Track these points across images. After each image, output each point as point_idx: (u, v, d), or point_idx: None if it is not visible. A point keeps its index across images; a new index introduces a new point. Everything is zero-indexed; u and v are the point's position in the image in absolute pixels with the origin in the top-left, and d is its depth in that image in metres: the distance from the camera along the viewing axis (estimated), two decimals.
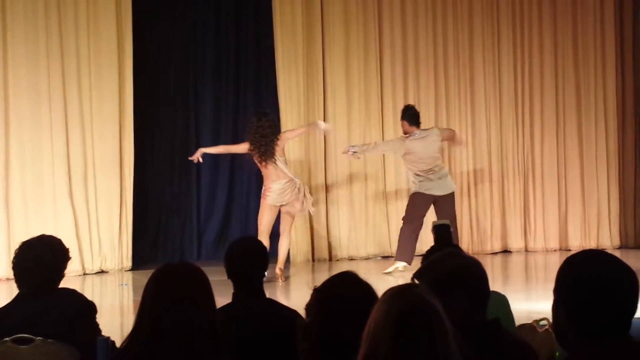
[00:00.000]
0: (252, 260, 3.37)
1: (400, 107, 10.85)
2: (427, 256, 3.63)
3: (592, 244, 11.40)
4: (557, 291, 2.02)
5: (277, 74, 10.72)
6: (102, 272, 9.91)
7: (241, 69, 11.34)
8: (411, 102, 11.03)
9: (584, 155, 11.49)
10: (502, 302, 3.46)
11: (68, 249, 3.74)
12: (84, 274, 9.71)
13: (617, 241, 11.53)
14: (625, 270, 2.00)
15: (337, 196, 10.84)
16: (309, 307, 2.40)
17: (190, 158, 9.33)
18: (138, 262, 10.05)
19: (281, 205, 8.95)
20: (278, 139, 8.82)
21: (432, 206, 9.26)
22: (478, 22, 11.33)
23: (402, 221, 9.34)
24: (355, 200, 10.91)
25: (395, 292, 2.01)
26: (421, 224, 9.20)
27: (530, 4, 11.49)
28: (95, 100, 9.92)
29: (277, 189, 8.87)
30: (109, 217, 9.94)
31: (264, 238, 8.61)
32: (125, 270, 9.95)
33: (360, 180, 10.93)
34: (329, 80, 10.90)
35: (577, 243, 11.35)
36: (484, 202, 11.28)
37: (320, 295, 2.37)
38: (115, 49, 9.96)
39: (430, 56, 11.22)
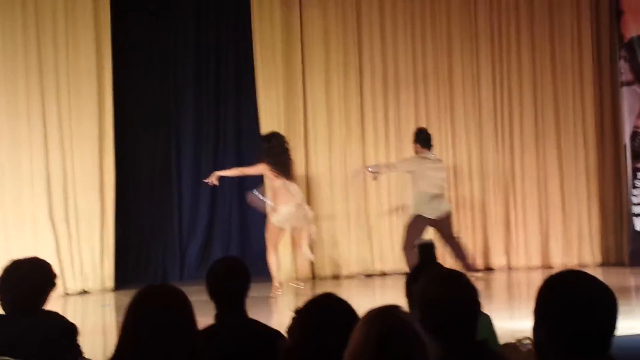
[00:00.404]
0: (234, 280, 3.35)
1: (381, 123, 10.95)
2: (411, 275, 3.61)
3: (573, 261, 11.44)
4: (536, 312, 2.03)
5: (257, 90, 10.73)
6: (84, 292, 9.84)
7: (221, 86, 11.32)
8: (391, 118, 11.11)
9: (564, 171, 11.55)
10: (486, 321, 3.45)
11: (55, 274, 3.71)
12: (66, 294, 9.63)
13: (598, 258, 11.57)
14: (603, 289, 2.01)
15: (320, 215, 10.81)
16: (290, 330, 2.39)
17: (205, 181, 9.38)
18: (120, 282, 9.99)
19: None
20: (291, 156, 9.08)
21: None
22: (457, 39, 11.39)
23: (405, 250, 9.41)
24: (338, 219, 10.89)
25: (376, 314, 2.01)
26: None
27: (508, 21, 11.57)
28: (75, 119, 9.88)
29: (284, 212, 9.05)
30: (90, 237, 9.88)
31: (272, 254, 9.11)
32: (108, 291, 9.88)
33: (343, 198, 10.92)
34: (309, 97, 10.91)
35: (559, 260, 11.39)
36: (466, 220, 11.29)
37: (302, 318, 2.36)
38: (94, 67, 9.94)
39: (410, 73, 11.27)
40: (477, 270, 9.97)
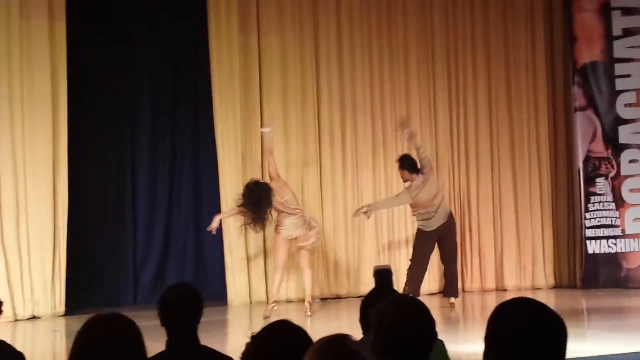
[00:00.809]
0: (185, 307, 3.31)
1: (338, 147, 10.98)
2: (366, 301, 3.60)
3: (527, 284, 11.54)
4: (487, 339, 2.04)
5: (214, 114, 10.69)
6: (34, 317, 9.67)
7: (178, 110, 11.28)
8: (349, 142, 11.13)
9: (518, 196, 11.67)
10: (439, 347, 3.45)
11: (2, 301, 3.63)
12: (15, 320, 9.46)
13: (551, 281, 11.68)
14: (552, 317, 2.03)
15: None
16: (244, 356, 2.37)
17: (209, 229, 9.35)
18: (72, 307, 9.84)
19: (295, 239, 9.36)
20: (272, 198, 9.14)
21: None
22: (414, 63, 11.49)
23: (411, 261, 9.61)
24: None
25: (324, 344, 2.00)
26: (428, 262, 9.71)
27: (464, 45, 11.71)
28: (29, 144, 9.76)
29: (289, 223, 9.27)
30: (42, 261, 9.72)
31: (279, 273, 9.38)
32: (58, 316, 9.72)
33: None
34: (266, 120, 10.87)
35: (513, 283, 11.48)
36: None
37: (256, 345, 2.34)
38: (49, 92, 9.82)
39: (367, 96, 11.33)
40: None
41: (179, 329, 3.30)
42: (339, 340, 2.01)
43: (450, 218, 9.76)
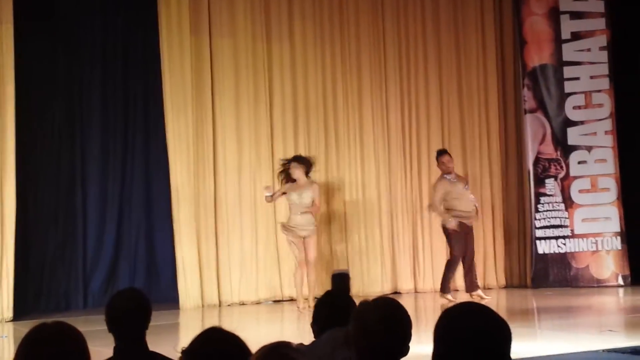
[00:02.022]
0: (133, 313, 3.27)
1: (291, 151, 10.96)
2: (319, 304, 3.58)
3: (478, 284, 11.61)
4: (434, 341, 2.06)
5: (165, 120, 10.59)
6: None
7: (129, 115, 11.14)
8: (301, 145, 11.12)
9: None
10: None
11: None
12: None
13: (502, 280, 11.81)
14: (497, 321, 2.05)
15: (228, 240, 10.73)
16: None
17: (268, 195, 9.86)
18: (20, 312, 9.66)
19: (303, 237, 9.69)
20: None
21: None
22: (366, 67, 11.53)
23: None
24: (247, 245, 10.82)
25: (263, 354, 1.98)
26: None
27: (415, 48, 11.78)
28: None
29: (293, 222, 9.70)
30: None
31: (297, 270, 9.78)
32: (6, 321, 9.54)
33: (252, 225, 10.86)
34: (218, 125, 10.84)
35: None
36: (374, 244, 11.37)
37: (190, 358, 2.28)
38: None
39: (320, 101, 11.33)
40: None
41: (126, 335, 3.26)
42: (281, 349, 1.99)
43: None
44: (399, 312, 2.63)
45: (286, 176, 9.89)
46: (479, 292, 10.12)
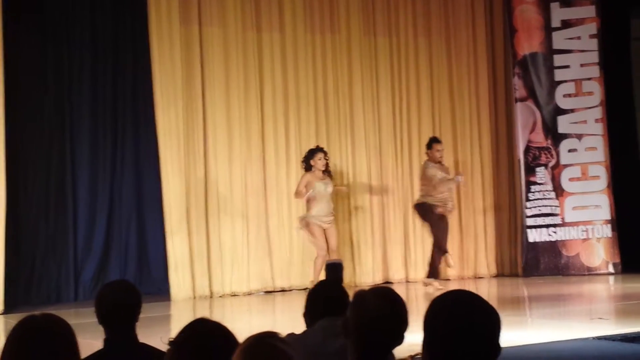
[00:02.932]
0: (122, 305, 3.26)
1: (282, 140, 11.00)
2: (312, 294, 3.58)
3: (470, 274, 11.69)
4: (424, 329, 2.07)
5: (155, 108, 10.56)
6: None
7: (119, 105, 11.09)
8: (292, 136, 11.11)
9: (460, 186, 11.77)
10: None
11: None
12: None
13: (493, 269, 11.84)
14: (487, 309, 2.06)
15: (219, 231, 10.71)
16: None
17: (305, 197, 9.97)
18: (11, 305, 9.64)
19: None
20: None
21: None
22: (357, 58, 11.52)
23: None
24: (238, 235, 10.81)
25: (250, 344, 1.98)
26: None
27: (406, 38, 11.77)
28: None
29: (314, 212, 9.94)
30: None
31: (318, 258, 9.89)
32: None
33: (243, 215, 10.85)
34: (209, 115, 10.81)
35: (456, 272, 11.60)
36: (366, 234, 11.38)
37: (177, 349, 2.28)
38: None
39: (310, 90, 11.31)
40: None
41: (116, 327, 3.25)
42: (267, 339, 1.98)
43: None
44: (397, 300, 2.64)
45: (307, 167, 10.02)
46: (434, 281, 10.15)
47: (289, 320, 7.93)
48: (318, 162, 9.94)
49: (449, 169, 10.80)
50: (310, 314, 3.49)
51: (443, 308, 2.07)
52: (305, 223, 9.94)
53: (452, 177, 10.34)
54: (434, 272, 10.15)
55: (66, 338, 2.44)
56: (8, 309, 9.54)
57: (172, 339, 2.29)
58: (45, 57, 10.66)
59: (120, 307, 3.25)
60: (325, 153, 10.10)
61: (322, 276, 9.70)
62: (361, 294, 2.65)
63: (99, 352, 3.22)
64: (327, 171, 10.08)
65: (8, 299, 9.68)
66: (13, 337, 2.42)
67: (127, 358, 3.20)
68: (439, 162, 10.29)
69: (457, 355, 2.00)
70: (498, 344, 2.04)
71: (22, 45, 10.36)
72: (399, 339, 2.60)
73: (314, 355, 3.15)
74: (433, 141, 10.38)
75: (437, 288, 9.85)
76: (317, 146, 10.30)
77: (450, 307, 2.07)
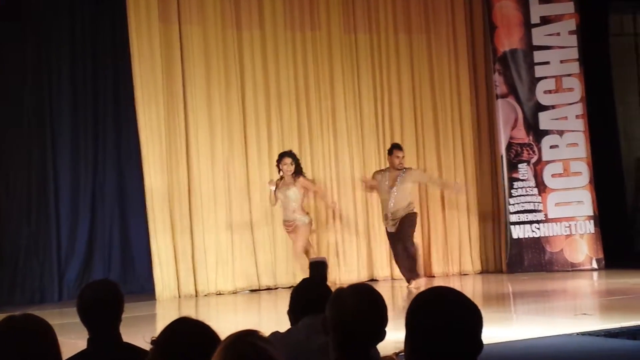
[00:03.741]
0: (105, 305, 3.24)
1: (264, 138, 10.98)
2: (296, 292, 3.58)
3: (454, 270, 11.71)
4: (406, 326, 2.07)
5: (136, 108, 10.52)
6: None
7: (99, 104, 11.06)
8: (275, 133, 11.10)
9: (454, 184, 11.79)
10: None
11: None
12: None
13: (478, 266, 11.87)
14: (468, 306, 2.06)
15: (203, 229, 10.69)
16: None
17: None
18: None
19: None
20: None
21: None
22: (337, 54, 11.51)
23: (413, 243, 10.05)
24: (222, 234, 10.78)
25: (230, 343, 1.97)
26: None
27: (387, 35, 11.77)
28: None
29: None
30: None
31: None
32: None
33: (226, 214, 10.83)
34: (190, 113, 10.78)
35: (441, 269, 11.64)
36: (350, 232, 11.39)
37: (160, 349, 2.27)
38: None
39: (292, 88, 11.30)
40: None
41: (99, 327, 3.23)
42: (247, 338, 1.98)
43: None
44: (375, 297, 2.65)
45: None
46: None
47: (274, 318, 7.93)
48: (283, 167, 9.94)
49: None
50: (294, 312, 3.50)
51: (424, 304, 2.08)
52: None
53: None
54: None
55: (47, 338, 2.43)
56: None
57: (154, 338, 2.28)
58: (24, 56, 10.60)
59: (102, 306, 3.23)
60: (291, 157, 10.03)
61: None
62: (339, 292, 2.66)
63: (82, 352, 3.20)
64: (295, 173, 9.97)
65: None
66: None
67: (111, 358, 3.19)
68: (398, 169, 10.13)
69: (438, 352, 2.01)
70: (480, 341, 2.04)
71: (1, 45, 10.28)
72: (379, 336, 2.60)
73: (298, 353, 3.16)
74: (395, 148, 10.29)
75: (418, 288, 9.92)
76: (285, 151, 10.26)
77: (431, 304, 2.07)
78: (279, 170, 10.03)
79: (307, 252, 10.01)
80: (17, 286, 10.44)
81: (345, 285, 2.74)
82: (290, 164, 9.88)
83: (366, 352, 2.58)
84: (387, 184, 10.05)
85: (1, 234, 10.27)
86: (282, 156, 10.02)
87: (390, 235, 10.19)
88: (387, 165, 10.40)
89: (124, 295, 3.32)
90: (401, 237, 9.99)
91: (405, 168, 10.19)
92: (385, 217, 10.10)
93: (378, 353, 3.54)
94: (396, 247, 10.07)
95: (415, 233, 10.24)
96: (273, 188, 9.97)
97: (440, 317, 2.02)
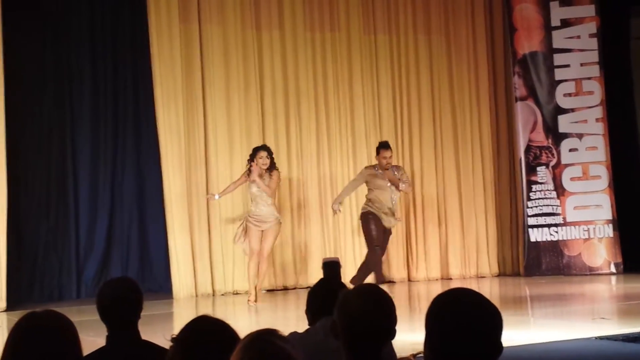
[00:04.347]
0: (123, 302, 3.26)
1: (282, 137, 10.97)
2: (313, 292, 3.58)
3: (472, 272, 11.68)
4: (426, 327, 2.07)
5: (156, 107, 10.57)
6: None
7: (119, 104, 11.11)
8: (293, 133, 11.11)
9: (461, 185, 11.78)
10: None
11: None
12: None
13: (495, 269, 11.84)
14: (488, 308, 2.05)
15: (220, 229, 10.71)
16: (170, 359, 2.31)
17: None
18: (13, 302, 9.66)
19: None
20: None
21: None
22: (357, 54, 11.51)
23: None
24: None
25: (249, 342, 1.98)
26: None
27: (406, 36, 11.76)
28: None
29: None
30: None
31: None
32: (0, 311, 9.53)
33: (243, 213, 10.83)
34: (209, 112, 10.81)
35: (458, 272, 11.61)
36: None
37: (180, 346, 2.29)
38: None
39: (310, 87, 11.30)
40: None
41: (117, 323, 3.25)
42: (266, 336, 1.99)
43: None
44: (380, 296, 2.63)
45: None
46: None
47: (291, 318, 7.94)
48: (259, 160, 9.50)
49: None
50: (311, 312, 3.50)
51: (444, 306, 2.07)
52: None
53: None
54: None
55: (68, 334, 2.45)
56: (11, 307, 9.56)
57: (174, 336, 2.30)
58: (45, 55, 10.68)
59: (121, 303, 3.25)
60: (266, 151, 9.55)
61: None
62: (344, 295, 2.65)
63: (101, 349, 3.22)
64: (269, 169, 9.47)
65: (10, 297, 9.70)
66: (15, 333, 2.43)
67: (130, 355, 3.20)
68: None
69: (458, 354, 2.00)
70: (499, 343, 2.03)
71: (22, 44, 10.36)
72: (388, 334, 2.59)
73: (317, 353, 3.16)
74: (383, 147, 9.82)
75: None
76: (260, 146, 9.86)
77: (451, 305, 2.07)
78: (251, 165, 9.51)
79: (261, 255, 9.49)
80: (36, 283, 10.52)
81: (349, 288, 2.74)
82: (267, 157, 9.48)
83: (377, 352, 2.58)
84: (385, 181, 9.64)
85: (21, 232, 10.34)
86: (256, 150, 9.57)
87: (381, 231, 9.64)
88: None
89: (142, 293, 3.34)
90: (385, 244, 9.82)
91: (394, 166, 9.81)
92: (385, 213, 9.61)
93: (394, 354, 3.55)
94: (383, 246, 9.77)
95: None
96: (217, 197, 9.79)
97: (460, 319, 2.01)
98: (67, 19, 10.82)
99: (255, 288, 9.41)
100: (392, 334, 2.61)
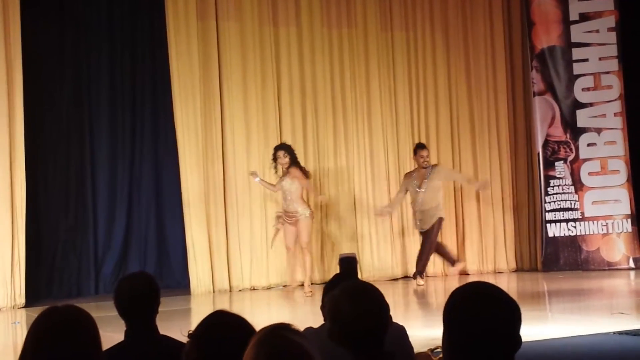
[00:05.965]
0: (141, 298, 3.27)
1: (299, 135, 10.97)
2: (328, 288, 3.58)
3: (489, 268, 11.65)
4: (444, 324, 2.06)
5: (173, 104, 10.60)
6: None
7: (137, 100, 11.17)
8: (310, 130, 11.11)
9: (479, 180, 11.73)
10: (399, 333, 3.44)
11: None
12: None
13: (513, 264, 11.80)
14: (506, 300, 2.04)
15: (237, 225, 10.74)
16: (187, 355, 2.32)
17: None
18: (32, 299, 9.73)
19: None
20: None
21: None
22: (373, 50, 11.49)
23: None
24: (256, 230, 10.83)
25: (263, 336, 1.98)
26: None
27: (423, 31, 11.73)
28: None
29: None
30: (0, 252, 9.58)
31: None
32: (19, 308, 9.59)
33: (260, 209, 10.87)
34: (226, 109, 10.83)
35: (475, 267, 11.59)
36: (384, 229, 11.37)
37: (197, 341, 2.29)
38: (4, 81, 9.65)
39: (327, 84, 11.30)
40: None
41: (135, 319, 3.26)
42: (279, 331, 1.99)
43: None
44: (369, 295, 2.61)
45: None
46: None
47: (308, 314, 7.94)
48: (278, 160, 9.90)
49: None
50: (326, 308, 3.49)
51: (463, 300, 2.06)
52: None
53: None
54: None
55: (88, 328, 2.46)
56: (30, 303, 9.63)
57: (191, 332, 2.31)
58: (63, 52, 10.74)
59: (139, 299, 3.26)
60: (284, 149, 9.94)
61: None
62: (334, 302, 2.60)
63: (120, 344, 3.24)
64: (290, 166, 9.83)
65: (30, 293, 9.76)
66: (36, 328, 2.44)
67: (148, 350, 3.21)
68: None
69: (477, 348, 1.99)
70: (518, 337, 2.02)
71: (41, 41, 10.43)
72: (385, 328, 2.57)
73: (332, 348, 3.16)
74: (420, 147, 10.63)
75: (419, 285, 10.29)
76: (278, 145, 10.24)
77: (470, 300, 2.06)
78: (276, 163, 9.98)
79: (302, 248, 9.94)
80: (55, 280, 10.59)
81: (335, 291, 2.69)
82: (284, 156, 9.81)
83: (380, 345, 2.55)
84: (416, 184, 10.35)
85: (40, 229, 10.40)
86: (275, 150, 9.99)
87: (420, 232, 10.62)
88: (415, 165, 10.60)
89: (160, 288, 3.35)
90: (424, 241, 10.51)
91: (431, 165, 10.47)
92: (414, 214, 10.55)
93: (412, 350, 3.54)
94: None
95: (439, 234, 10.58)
96: (257, 179, 10.05)
97: (479, 313, 2.00)
98: (86, 16, 10.88)
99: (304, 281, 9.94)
100: (388, 325, 2.59)
